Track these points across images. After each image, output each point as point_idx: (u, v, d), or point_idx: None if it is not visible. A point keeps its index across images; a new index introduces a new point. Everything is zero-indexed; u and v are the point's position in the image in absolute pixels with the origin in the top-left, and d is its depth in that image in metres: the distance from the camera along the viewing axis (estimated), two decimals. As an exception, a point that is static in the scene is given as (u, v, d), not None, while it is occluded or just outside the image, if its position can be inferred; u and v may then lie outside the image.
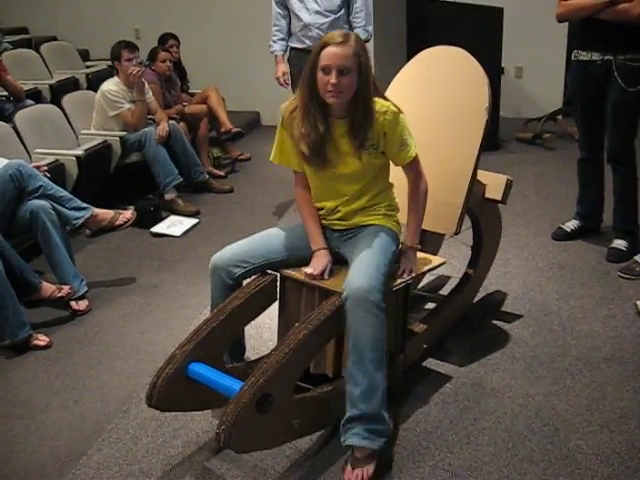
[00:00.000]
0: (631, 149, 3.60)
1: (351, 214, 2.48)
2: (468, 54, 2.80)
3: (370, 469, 2.18)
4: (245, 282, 2.51)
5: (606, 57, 3.45)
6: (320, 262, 2.43)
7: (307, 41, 4.40)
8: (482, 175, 2.85)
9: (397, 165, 2.46)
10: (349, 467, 2.19)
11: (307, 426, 2.35)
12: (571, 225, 3.97)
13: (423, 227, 2.66)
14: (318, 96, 2.28)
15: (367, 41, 4.44)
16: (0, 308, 2.99)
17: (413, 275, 2.51)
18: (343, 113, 2.32)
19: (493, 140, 5.62)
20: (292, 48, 4.53)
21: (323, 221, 2.54)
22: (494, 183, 2.92)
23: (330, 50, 2.21)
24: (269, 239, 2.55)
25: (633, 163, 3.64)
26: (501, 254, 3.33)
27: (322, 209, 2.53)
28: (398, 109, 2.35)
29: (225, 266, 2.47)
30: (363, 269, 2.23)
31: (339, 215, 2.50)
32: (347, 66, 2.20)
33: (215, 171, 5.58)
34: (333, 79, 2.20)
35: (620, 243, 3.71)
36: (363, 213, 2.49)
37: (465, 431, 2.43)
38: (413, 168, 2.45)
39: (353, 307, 2.15)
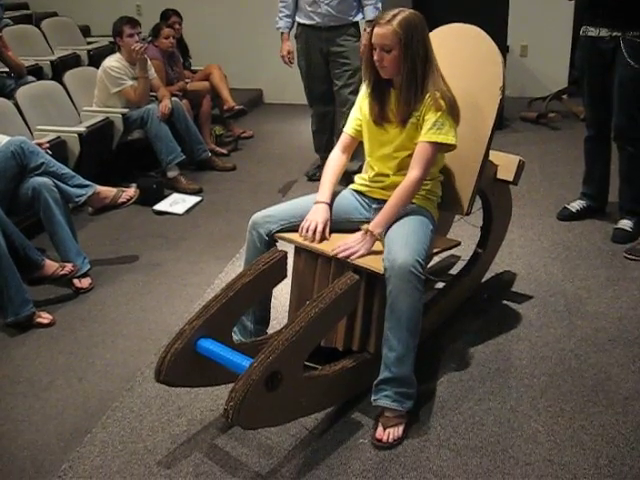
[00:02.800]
0: (638, 127, 3.57)
1: (394, 187, 2.51)
2: (482, 31, 2.74)
3: (400, 429, 2.30)
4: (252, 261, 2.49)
5: (614, 33, 3.42)
6: (314, 215, 2.53)
7: (316, 17, 4.35)
8: (493, 155, 2.81)
9: (418, 139, 2.46)
10: (380, 427, 2.29)
11: (315, 404, 2.35)
12: (577, 205, 3.94)
13: None
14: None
15: None
16: (3, 286, 2.98)
17: (351, 259, 2.39)
18: (396, 82, 2.49)
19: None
20: (299, 24, 4.48)
21: (364, 187, 2.66)
22: (506, 164, 2.89)
23: (375, 30, 2.42)
24: (307, 202, 2.63)
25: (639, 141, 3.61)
26: (506, 234, 3.31)
27: (373, 173, 2.63)
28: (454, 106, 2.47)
29: (263, 222, 2.56)
30: (405, 243, 2.31)
31: (384, 184, 2.59)
32: (388, 44, 2.38)
33: (218, 149, 5.55)
34: (376, 55, 2.43)
35: (626, 224, 3.68)
36: None
37: (470, 411, 2.42)
38: (425, 150, 2.44)
39: (395, 279, 2.23)
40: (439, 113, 2.41)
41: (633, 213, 3.70)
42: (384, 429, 2.28)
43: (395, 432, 2.28)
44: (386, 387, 2.30)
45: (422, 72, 2.42)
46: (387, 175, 2.58)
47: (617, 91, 3.51)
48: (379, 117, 2.53)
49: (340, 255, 2.39)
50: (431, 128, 2.42)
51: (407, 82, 2.42)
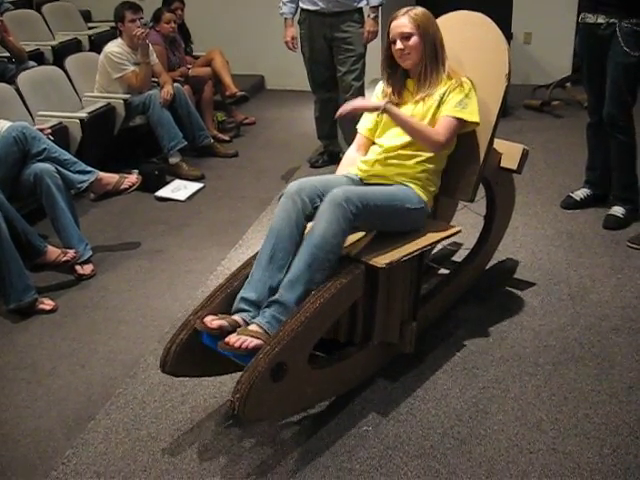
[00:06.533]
0: (629, 115, 3.55)
1: (391, 170, 2.57)
2: (488, 19, 2.74)
3: (253, 343, 2.10)
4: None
5: (611, 20, 3.41)
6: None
7: (320, 3, 4.30)
8: (498, 144, 2.81)
9: (441, 114, 2.54)
10: (235, 334, 2.14)
11: (320, 394, 2.35)
12: (580, 194, 3.93)
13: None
14: (395, 62, 2.61)
15: (381, 5, 4.36)
16: (5, 272, 2.98)
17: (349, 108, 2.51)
18: (414, 72, 2.61)
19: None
20: (303, 10, 4.44)
21: (363, 173, 2.63)
22: (510, 152, 2.88)
23: (392, 24, 2.58)
24: (343, 180, 2.60)
25: (630, 130, 3.58)
26: (510, 223, 3.30)
27: (381, 149, 2.62)
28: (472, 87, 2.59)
29: (310, 193, 2.41)
30: (360, 189, 2.41)
31: (391, 156, 2.58)
32: (406, 31, 2.53)
33: (220, 135, 5.52)
34: (398, 45, 2.55)
35: (617, 210, 3.68)
36: (402, 174, 2.56)
37: (474, 399, 2.42)
38: (450, 122, 2.52)
39: (324, 204, 2.29)
40: (464, 94, 2.53)
41: (624, 200, 3.70)
42: (238, 335, 2.13)
43: (247, 342, 2.10)
44: (268, 309, 2.20)
45: (441, 55, 2.58)
46: (396, 148, 2.58)
47: (610, 78, 3.49)
48: (395, 97, 2.64)
49: (342, 110, 2.51)
50: (456, 106, 2.52)
51: (429, 65, 2.56)
